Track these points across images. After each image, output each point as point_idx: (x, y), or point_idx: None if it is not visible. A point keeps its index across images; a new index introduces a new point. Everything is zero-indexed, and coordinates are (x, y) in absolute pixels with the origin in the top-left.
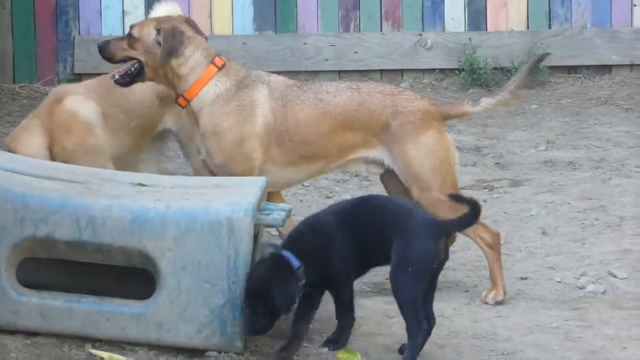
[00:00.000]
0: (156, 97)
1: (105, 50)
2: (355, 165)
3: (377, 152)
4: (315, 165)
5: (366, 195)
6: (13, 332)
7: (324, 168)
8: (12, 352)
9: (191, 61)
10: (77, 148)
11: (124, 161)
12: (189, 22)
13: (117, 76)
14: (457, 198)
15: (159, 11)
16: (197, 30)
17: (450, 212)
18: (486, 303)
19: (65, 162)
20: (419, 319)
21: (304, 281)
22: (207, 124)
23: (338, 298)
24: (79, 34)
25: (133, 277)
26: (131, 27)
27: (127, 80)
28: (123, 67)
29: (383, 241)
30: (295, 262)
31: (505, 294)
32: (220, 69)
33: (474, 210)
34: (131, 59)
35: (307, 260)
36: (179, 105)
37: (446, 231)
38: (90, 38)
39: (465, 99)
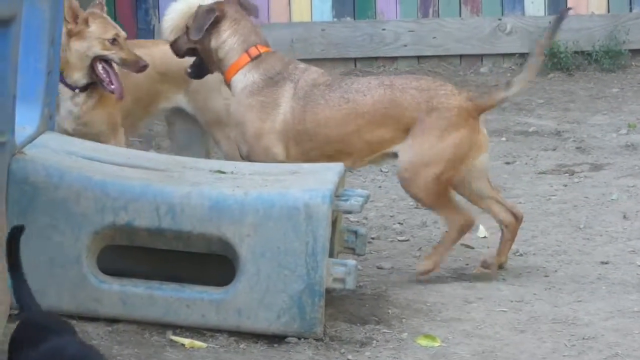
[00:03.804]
0: (155, 71)
1: (172, 47)
2: (388, 159)
3: (398, 146)
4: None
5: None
6: (94, 319)
7: (351, 165)
8: (94, 339)
9: (227, 45)
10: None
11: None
12: (242, 5)
13: (189, 70)
14: None
15: None
16: (247, 15)
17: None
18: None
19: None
20: None
21: None
22: (234, 111)
23: None
24: (159, 22)
25: (213, 264)
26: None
27: (195, 70)
28: None
29: None
30: None
31: (433, 268)
32: (253, 59)
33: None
34: (192, 49)
35: None
36: (227, 86)
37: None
38: None
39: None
